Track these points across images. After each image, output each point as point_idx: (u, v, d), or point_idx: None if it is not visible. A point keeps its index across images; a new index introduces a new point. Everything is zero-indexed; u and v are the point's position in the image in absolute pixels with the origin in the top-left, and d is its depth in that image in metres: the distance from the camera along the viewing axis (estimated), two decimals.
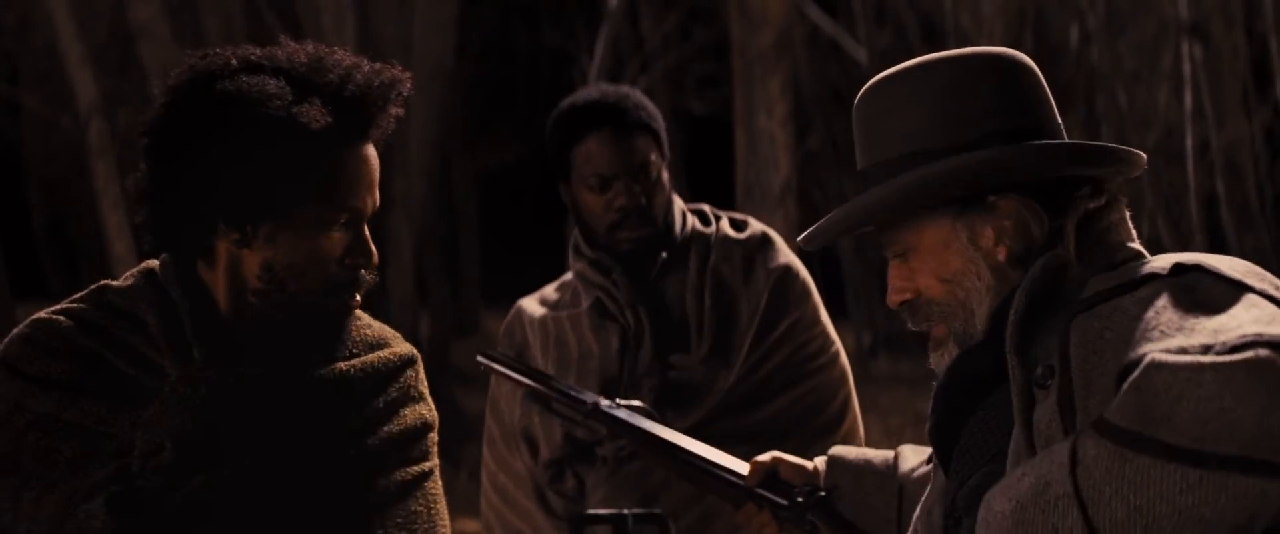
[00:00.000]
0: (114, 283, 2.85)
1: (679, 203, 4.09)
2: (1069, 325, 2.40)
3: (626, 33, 20.95)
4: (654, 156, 3.99)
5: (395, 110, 2.76)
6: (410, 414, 2.84)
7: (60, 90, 15.77)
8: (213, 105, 2.67)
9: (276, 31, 2.85)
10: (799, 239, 2.67)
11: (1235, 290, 2.34)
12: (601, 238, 4.01)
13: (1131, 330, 2.32)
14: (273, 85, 2.67)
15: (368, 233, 2.76)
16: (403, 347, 2.88)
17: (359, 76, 2.72)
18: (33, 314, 2.84)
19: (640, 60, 20.87)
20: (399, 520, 2.77)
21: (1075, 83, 16.48)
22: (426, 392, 2.89)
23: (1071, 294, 2.45)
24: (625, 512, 3.83)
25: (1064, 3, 16.44)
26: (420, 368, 2.89)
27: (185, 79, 2.71)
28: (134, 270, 2.85)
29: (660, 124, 4.04)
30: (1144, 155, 2.58)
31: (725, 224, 4.13)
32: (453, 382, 15.64)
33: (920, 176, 2.51)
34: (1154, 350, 2.25)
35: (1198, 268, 2.39)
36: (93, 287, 2.85)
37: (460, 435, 13.39)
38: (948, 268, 2.53)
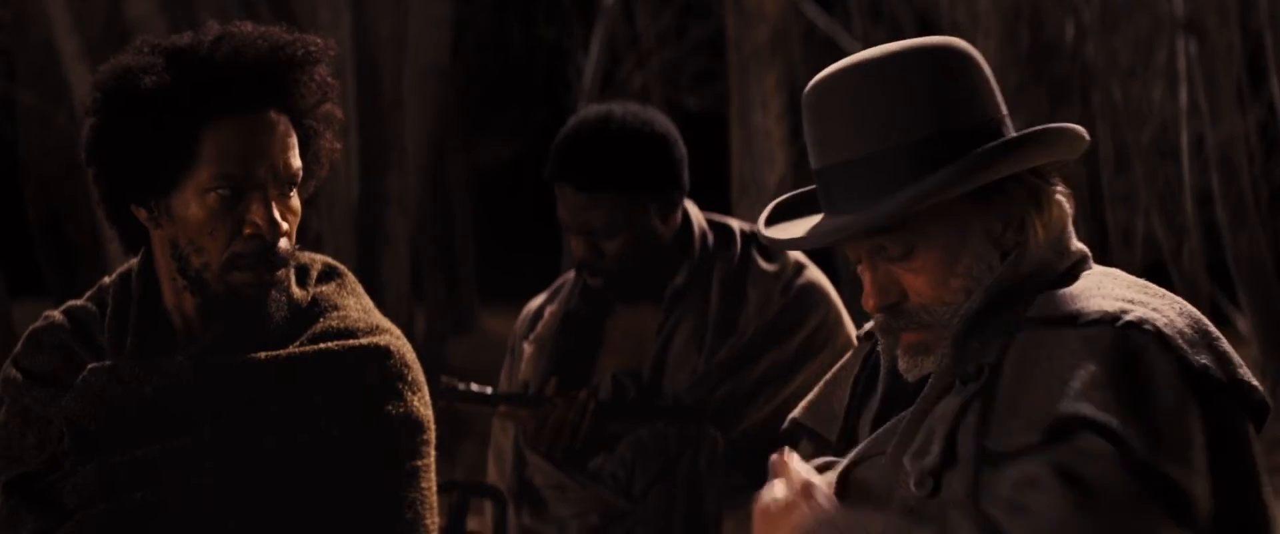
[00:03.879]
0: (109, 280, 2.91)
1: (698, 219, 3.99)
2: (1011, 339, 2.36)
3: (622, 29, 20.93)
4: (610, 217, 3.86)
5: (318, 75, 2.73)
6: (373, 410, 2.74)
7: (56, 86, 15.76)
8: (99, 92, 2.72)
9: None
10: (786, 243, 2.54)
11: (1181, 384, 2.30)
12: None
13: (1066, 377, 2.30)
14: (140, 61, 2.70)
15: (272, 203, 2.70)
16: (373, 339, 2.78)
17: (260, 45, 2.71)
18: (28, 310, 2.92)
19: (636, 56, 20.85)
20: (352, 520, 2.70)
21: (1070, 78, 16.47)
22: (407, 388, 2.78)
23: (1023, 298, 2.40)
24: (457, 481, 3.97)
25: None
26: (399, 362, 2.78)
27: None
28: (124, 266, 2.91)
29: (640, 170, 3.86)
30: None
31: (753, 250, 3.99)
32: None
33: (961, 166, 2.37)
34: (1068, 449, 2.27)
35: (1152, 333, 2.33)
36: (98, 283, 2.91)
37: (456, 433, 13.38)
38: (960, 264, 2.42)
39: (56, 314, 2.86)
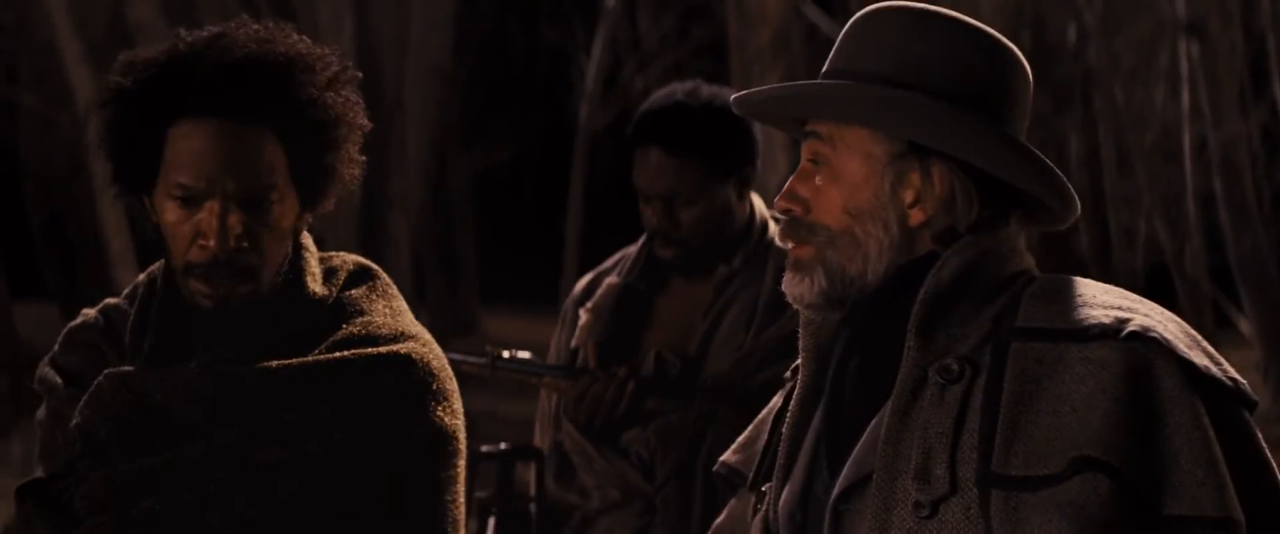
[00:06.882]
0: (143, 277, 2.86)
1: (760, 209, 4.04)
2: (1007, 345, 2.29)
3: (624, 31, 20.95)
4: (694, 182, 3.93)
5: (315, 85, 2.68)
6: (391, 421, 2.66)
7: (58, 89, 15.76)
8: (105, 86, 2.72)
9: None
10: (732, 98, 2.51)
11: (1191, 395, 2.26)
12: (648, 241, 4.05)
13: (1074, 406, 2.25)
14: (141, 56, 2.69)
15: (230, 215, 2.62)
16: (395, 347, 2.69)
17: (238, 52, 2.65)
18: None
19: (637, 59, 20.86)
20: (364, 532, 2.64)
21: (1073, 81, 16.49)
22: (430, 398, 2.69)
23: (988, 290, 2.34)
24: (496, 449, 4.00)
25: (1062, 1, 16.45)
26: (422, 370, 2.68)
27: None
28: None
29: (726, 141, 3.95)
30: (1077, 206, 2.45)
31: None
32: None
33: (901, 99, 2.34)
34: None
35: (1156, 341, 2.28)
36: (135, 281, 2.86)
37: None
38: (855, 200, 2.36)
39: (92, 312, 2.81)
